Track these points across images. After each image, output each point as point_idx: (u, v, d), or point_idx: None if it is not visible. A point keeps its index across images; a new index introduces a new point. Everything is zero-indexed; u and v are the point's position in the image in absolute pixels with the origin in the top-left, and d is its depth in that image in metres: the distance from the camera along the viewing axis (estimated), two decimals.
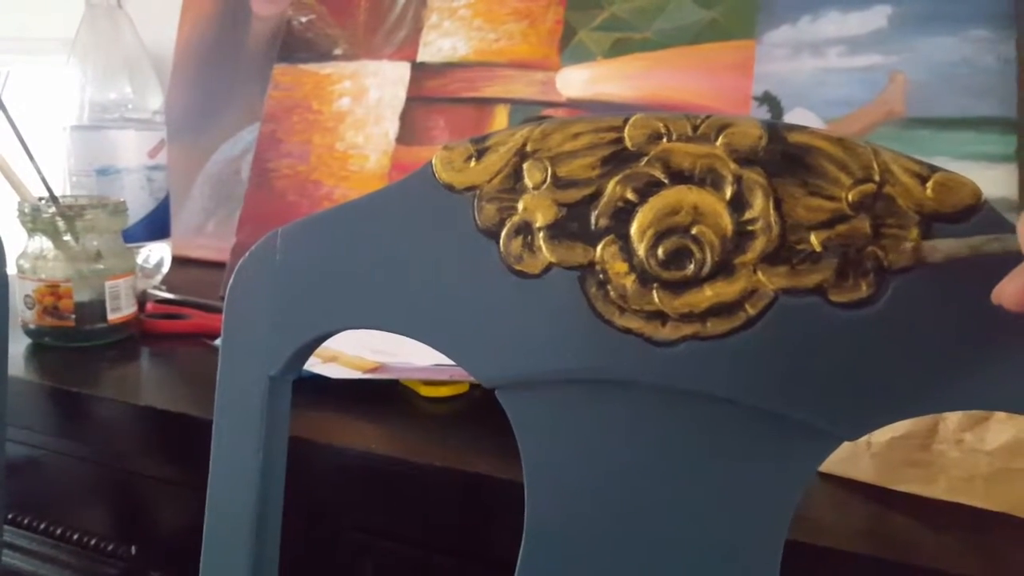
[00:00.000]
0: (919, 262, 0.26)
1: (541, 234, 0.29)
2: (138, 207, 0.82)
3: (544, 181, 0.28)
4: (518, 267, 0.29)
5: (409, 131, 0.80)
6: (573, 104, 0.76)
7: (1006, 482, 0.40)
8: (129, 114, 0.83)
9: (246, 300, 0.32)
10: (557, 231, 0.29)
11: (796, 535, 0.39)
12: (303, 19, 0.86)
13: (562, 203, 0.28)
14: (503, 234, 0.29)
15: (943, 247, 0.25)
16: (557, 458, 0.30)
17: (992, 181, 0.66)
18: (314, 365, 0.56)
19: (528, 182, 0.29)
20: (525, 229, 0.29)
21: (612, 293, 0.28)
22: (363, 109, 0.81)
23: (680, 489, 0.29)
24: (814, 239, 0.26)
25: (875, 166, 0.26)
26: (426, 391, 0.55)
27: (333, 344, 0.61)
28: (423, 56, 0.81)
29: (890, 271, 0.26)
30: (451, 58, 0.80)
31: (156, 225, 0.83)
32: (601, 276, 0.28)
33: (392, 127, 0.80)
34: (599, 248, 0.28)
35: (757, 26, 0.74)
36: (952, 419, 0.41)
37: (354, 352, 0.58)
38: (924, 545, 0.39)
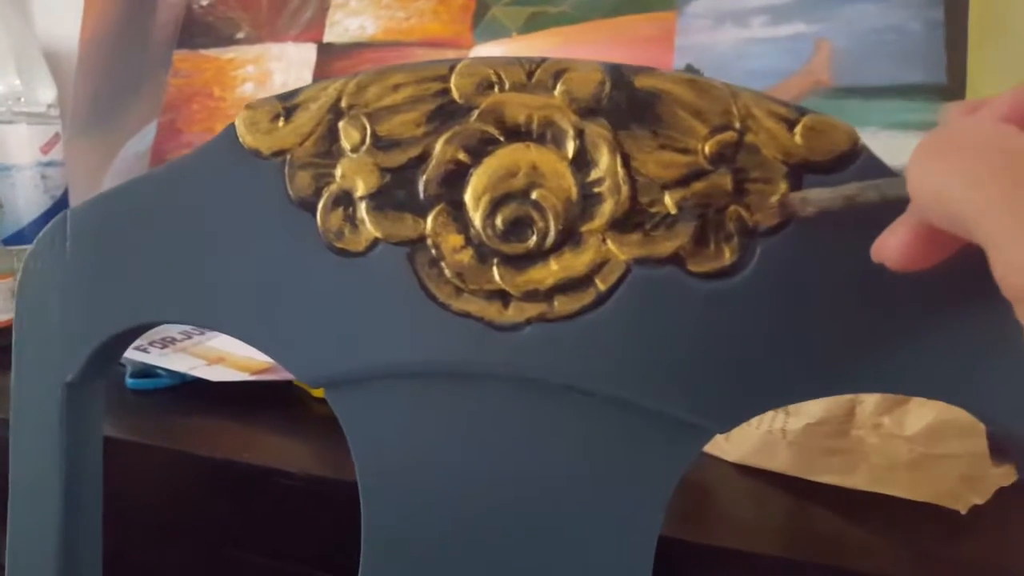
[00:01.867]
0: (787, 218, 0.22)
1: (363, 204, 0.24)
2: (31, 206, 0.77)
3: (363, 142, 0.24)
4: (339, 244, 0.25)
5: None
6: None
7: (928, 469, 0.36)
8: (19, 107, 0.77)
9: (35, 296, 0.27)
10: (381, 201, 0.24)
11: (711, 538, 0.36)
12: (204, 2, 0.80)
13: (385, 167, 0.24)
14: (320, 206, 0.25)
15: (814, 199, 0.21)
16: (395, 462, 0.26)
17: None
18: (196, 368, 0.51)
19: (345, 144, 0.24)
20: (345, 199, 0.25)
21: (447, 271, 0.24)
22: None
23: (534, 491, 0.25)
24: (668, 200, 0.23)
25: (735, 111, 0.22)
26: (317, 391, 0.50)
27: (221, 344, 0.56)
28: (330, 37, 0.76)
29: (756, 233, 0.22)
30: (359, 38, 0.75)
31: None
32: (434, 252, 0.24)
33: None
34: (430, 219, 0.24)
35: None
36: (869, 402, 0.38)
37: (244, 353, 0.54)
38: (848, 544, 0.36)
